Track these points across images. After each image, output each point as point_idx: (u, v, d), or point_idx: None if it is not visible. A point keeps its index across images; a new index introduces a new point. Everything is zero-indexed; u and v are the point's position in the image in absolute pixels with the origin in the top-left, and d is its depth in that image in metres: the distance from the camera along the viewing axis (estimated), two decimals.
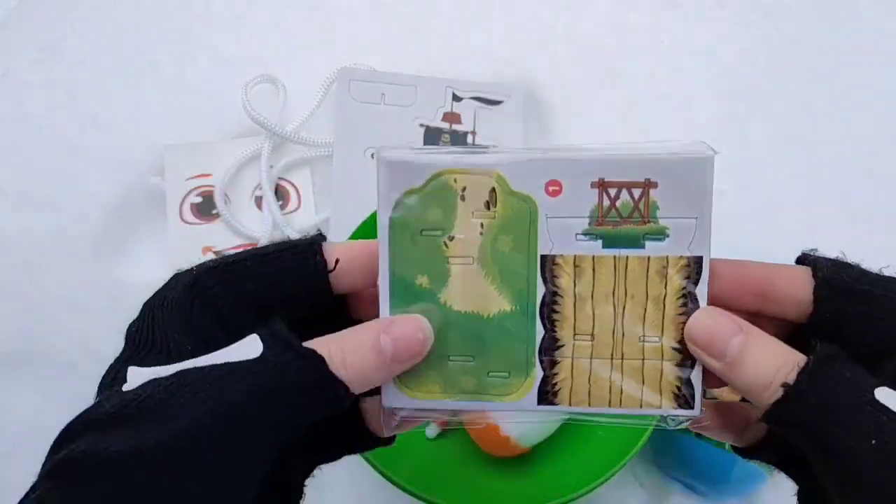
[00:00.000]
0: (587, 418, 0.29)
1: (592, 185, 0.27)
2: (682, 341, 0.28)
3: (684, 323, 0.28)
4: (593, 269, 0.28)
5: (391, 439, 0.30)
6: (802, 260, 0.28)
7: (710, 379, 0.27)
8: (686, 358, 0.28)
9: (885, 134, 0.65)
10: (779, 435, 0.26)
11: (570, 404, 0.29)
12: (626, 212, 0.27)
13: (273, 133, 0.62)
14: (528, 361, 0.29)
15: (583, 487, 0.45)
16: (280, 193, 0.64)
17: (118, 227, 0.63)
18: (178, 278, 0.27)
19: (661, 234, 0.28)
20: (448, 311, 0.28)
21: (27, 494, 0.23)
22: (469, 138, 0.64)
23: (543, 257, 0.28)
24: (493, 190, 0.28)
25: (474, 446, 0.53)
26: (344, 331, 0.26)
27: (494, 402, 0.29)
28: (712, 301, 0.27)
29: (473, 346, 0.28)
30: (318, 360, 0.24)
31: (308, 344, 0.25)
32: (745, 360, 0.24)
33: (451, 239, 0.28)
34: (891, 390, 0.22)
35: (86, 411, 0.24)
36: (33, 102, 0.66)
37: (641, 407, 0.28)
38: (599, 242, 0.28)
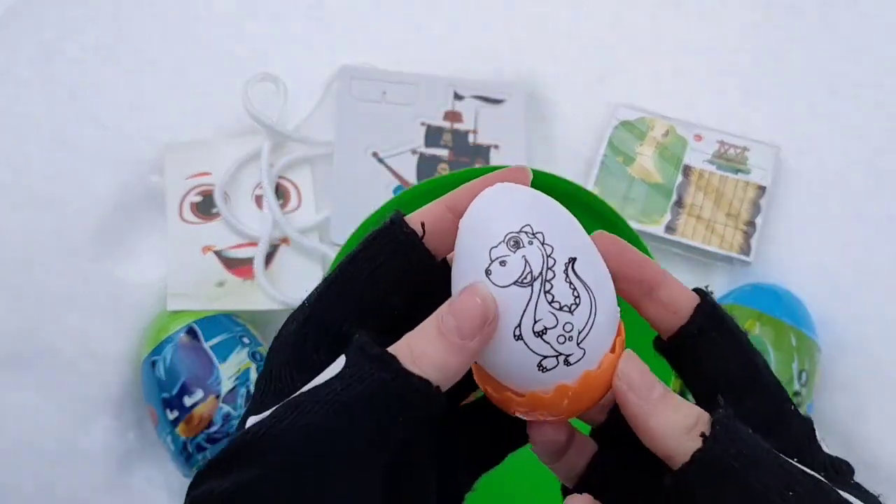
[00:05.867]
0: (687, 248, 0.60)
1: (717, 141, 0.63)
2: (746, 222, 0.59)
3: (749, 213, 0.60)
4: (708, 177, 0.61)
5: None
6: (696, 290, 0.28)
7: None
8: (746, 231, 0.59)
9: (889, 132, 0.64)
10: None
11: (682, 236, 0.59)
12: (732, 156, 0.62)
13: (273, 131, 0.62)
14: (665, 209, 0.60)
15: None
16: (280, 192, 0.64)
17: (118, 226, 0.62)
18: (293, 317, 0.26)
19: (747, 170, 0.61)
20: (635, 180, 0.62)
21: None
22: (470, 137, 0.64)
23: (686, 166, 0.62)
24: (667, 131, 0.63)
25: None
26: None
27: (647, 226, 0.59)
28: (609, 265, 0.26)
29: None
30: (388, 359, 0.23)
31: (390, 348, 0.23)
32: (669, 402, 0.24)
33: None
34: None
35: (209, 459, 0.24)
36: (32, 101, 0.65)
37: (720, 247, 0.59)
38: (715, 166, 0.62)
